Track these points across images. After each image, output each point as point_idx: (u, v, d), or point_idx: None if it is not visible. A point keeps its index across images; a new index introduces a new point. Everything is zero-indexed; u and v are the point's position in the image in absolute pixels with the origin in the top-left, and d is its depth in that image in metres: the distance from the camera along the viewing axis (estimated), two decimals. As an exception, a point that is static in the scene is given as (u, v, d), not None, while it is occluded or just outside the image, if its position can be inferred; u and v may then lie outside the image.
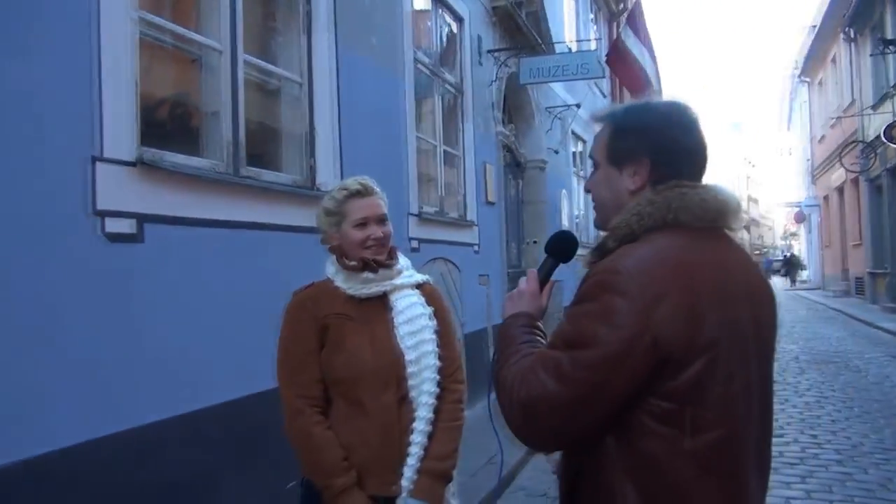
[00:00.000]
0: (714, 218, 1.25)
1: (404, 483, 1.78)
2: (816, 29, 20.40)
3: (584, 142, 12.50)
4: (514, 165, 8.99)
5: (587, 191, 1.42)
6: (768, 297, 1.32)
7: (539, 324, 1.39)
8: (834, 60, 20.21)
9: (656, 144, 1.29)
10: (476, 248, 6.83)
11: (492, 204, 7.38)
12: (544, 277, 1.44)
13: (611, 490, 1.17)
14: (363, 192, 1.88)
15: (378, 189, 1.93)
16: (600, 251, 1.28)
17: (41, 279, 2.32)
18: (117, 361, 2.58)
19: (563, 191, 10.66)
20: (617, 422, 1.16)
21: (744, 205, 1.33)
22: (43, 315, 2.32)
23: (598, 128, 1.39)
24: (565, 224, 10.60)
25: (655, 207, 1.24)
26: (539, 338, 1.33)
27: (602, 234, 1.33)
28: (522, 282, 1.43)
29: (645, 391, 1.14)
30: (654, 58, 8.24)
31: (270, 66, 3.97)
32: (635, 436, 1.15)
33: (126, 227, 2.67)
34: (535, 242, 9.34)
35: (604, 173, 1.35)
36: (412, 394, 1.82)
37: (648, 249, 1.20)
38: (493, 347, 7.03)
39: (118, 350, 2.59)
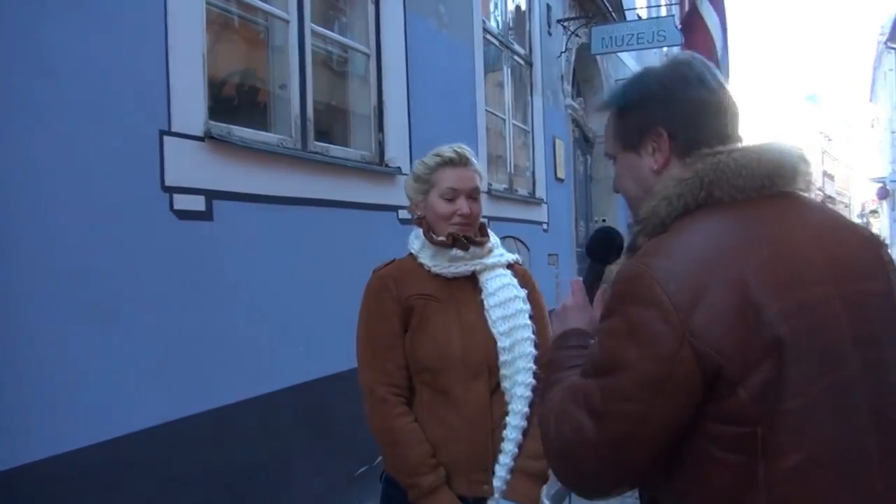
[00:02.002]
0: (762, 185, 1.00)
1: (496, 483, 1.60)
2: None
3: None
4: (583, 141, 8.67)
5: (616, 191, 1.20)
6: (870, 262, 1.03)
7: (592, 341, 1.16)
8: (926, 24, 18.82)
9: (668, 109, 1.07)
10: (545, 226, 6.60)
11: (561, 181, 7.12)
12: (592, 284, 1.25)
13: None
14: (457, 161, 1.69)
15: (475, 160, 1.74)
16: (633, 250, 1.05)
17: (109, 258, 2.25)
18: (188, 342, 2.51)
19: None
20: (684, 454, 0.94)
21: (816, 174, 1.05)
22: (111, 295, 2.25)
23: (606, 119, 1.18)
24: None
25: (686, 185, 1.00)
26: None
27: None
28: (567, 295, 1.25)
29: (703, 415, 0.91)
30: (724, 26, 7.68)
31: (339, 37, 3.83)
32: (703, 467, 0.93)
33: (195, 204, 2.58)
34: (603, 221, 9.03)
35: (622, 162, 1.14)
36: (505, 384, 1.63)
37: (678, 241, 0.98)
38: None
39: (189, 331, 2.52)
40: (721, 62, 7.42)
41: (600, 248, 1.26)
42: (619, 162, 1.15)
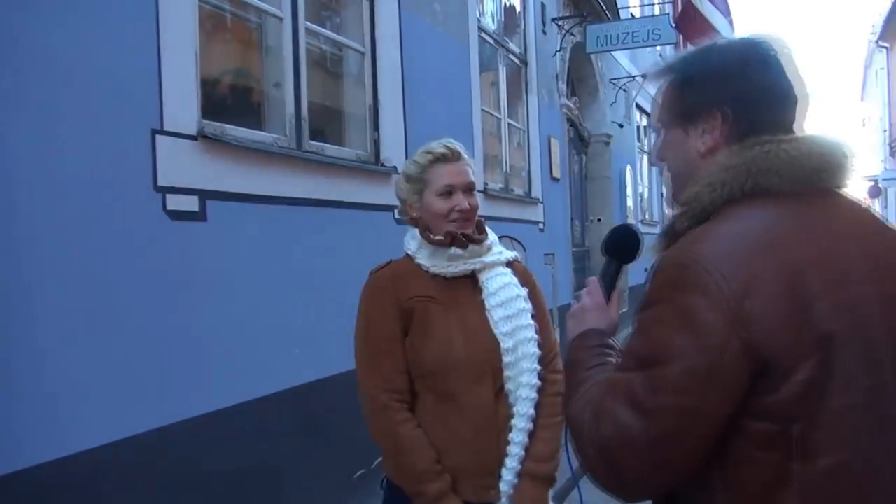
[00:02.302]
0: (810, 178, 0.96)
1: (503, 487, 1.56)
2: (898, -11, 19.09)
3: (649, 115, 12.00)
4: (578, 140, 8.64)
5: (652, 163, 1.15)
6: None
7: (612, 341, 1.14)
8: (917, 23, 18.89)
9: (731, 91, 1.01)
10: (541, 225, 6.56)
11: (557, 180, 7.08)
12: (609, 285, 1.21)
13: None
14: (449, 157, 1.65)
15: (466, 154, 1.69)
16: (669, 235, 1.02)
17: (102, 260, 2.20)
18: (183, 345, 2.46)
19: (628, 166, 10.24)
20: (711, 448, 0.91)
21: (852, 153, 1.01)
22: (103, 297, 2.20)
23: (655, 87, 1.13)
24: (630, 202, 10.20)
25: (732, 174, 0.96)
26: (612, 359, 1.09)
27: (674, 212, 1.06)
28: (584, 295, 1.21)
29: (739, 410, 0.88)
30: (731, 21, 7.66)
31: (333, 35, 3.78)
32: (732, 464, 0.90)
33: (188, 204, 2.53)
34: (598, 220, 9.00)
35: (671, 137, 1.09)
36: (509, 386, 1.58)
37: (727, 228, 0.94)
38: (557, 329, 6.79)
39: (183, 333, 2.47)
40: None
41: (620, 246, 1.22)
42: (666, 135, 1.10)
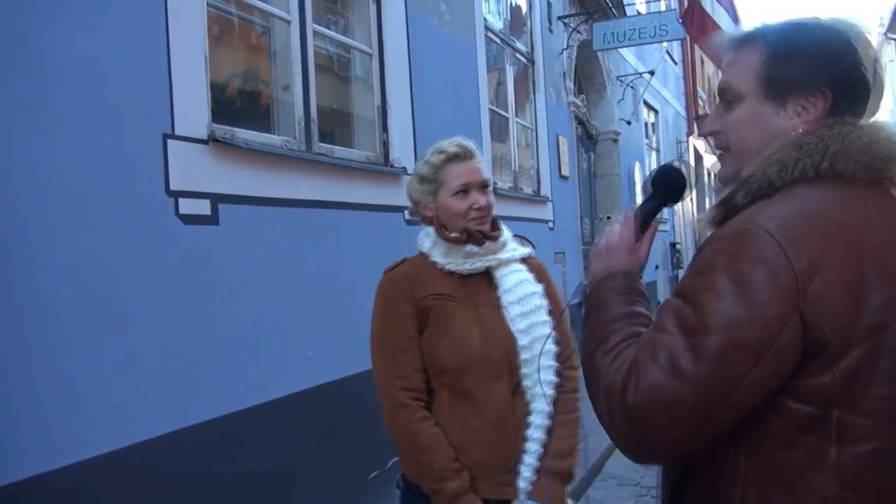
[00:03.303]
0: (882, 167, 0.94)
1: (521, 484, 1.55)
2: (906, -20, 18.93)
3: (656, 112, 11.95)
4: (586, 138, 8.62)
5: (708, 133, 1.08)
6: None
7: (640, 286, 1.08)
8: (927, 14, 18.72)
9: (835, 72, 0.97)
10: (551, 224, 6.55)
11: (565, 178, 7.06)
12: (644, 221, 1.13)
13: (728, 502, 0.92)
14: (462, 156, 1.64)
15: (478, 152, 1.69)
16: (726, 207, 0.98)
17: (116, 264, 2.21)
18: (196, 348, 2.47)
19: (637, 163, 10.20)
20: (739, 425, 0.90)
21: None
22: (116, 300, 2.21)
23: (732, 54, 1.05)
24: (639, 199, 10.15)
25: (805, 152, 0.94)
26: (641, 308, 1.03)
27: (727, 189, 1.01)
28: (614, 230, 1.13)
29: (781, 390, 0.87)
30: (735, 17, 7.63)
31: (341, 37, 3.79)
32: (765, 444, 0.89)
33: (200, 208, 2.54)
34: (608, 218, 8.97)
35: (751, 110, 1.02)
36: (526, 383, 1.58)
37: (794, 206, 0.91)
38: (573, 299, 6.71)
39: (196, 336, 2.47)
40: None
41: (668, 183, 1.15)
42: (746, 106, 1.03)
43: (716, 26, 7.15)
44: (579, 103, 7.93)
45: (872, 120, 1.00)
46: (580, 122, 8.12)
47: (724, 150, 1.08)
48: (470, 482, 1.53)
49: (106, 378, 2.14)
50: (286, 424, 2.85)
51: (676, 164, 1.25)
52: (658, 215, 1.17)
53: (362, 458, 3.22)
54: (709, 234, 0.98)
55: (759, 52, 1.02)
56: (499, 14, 6.05)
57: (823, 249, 0.87)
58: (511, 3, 6.36)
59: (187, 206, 2.48)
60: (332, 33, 3.70)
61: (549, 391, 1.58)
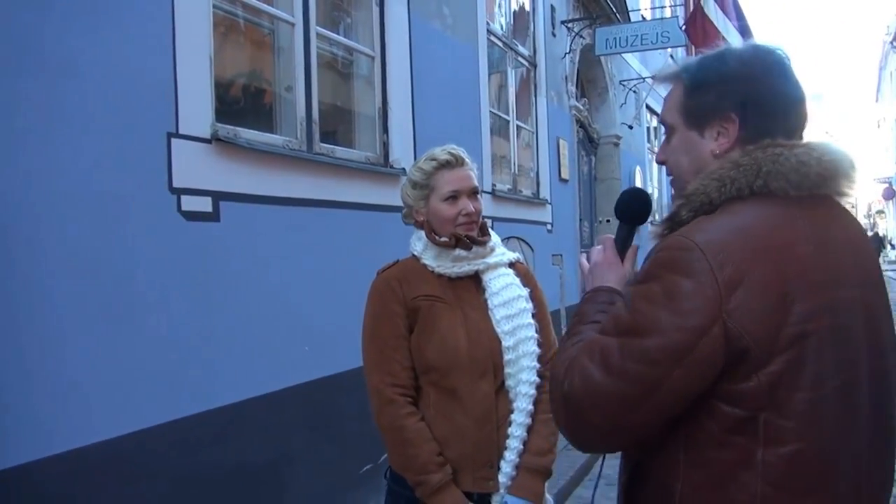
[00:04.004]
0: (815, 184, 1.01)
1: (502, 479, 1.62)
2: (913, -10, 18.93)
3: (659, 116, 11.98)
4: (587, 141, 8.68)
5: (660, 162, 1.20)
6: (880, 279, 1.07)
7: (620, 297, 1.16)
8: (932, 24, 18.74)
9: (744, 95, 1.06)
10: (549, 226, 6.61)
11: (565, 181, 7.13)
12: (622, 246, 1.23)
13: (669, 498, 0.99)
14: (453, 163, 1.71)
15: (469, 159, 1.76)
16: (672, 222, 1.06)
17: (118, 259, 2.28)
18: (195, 341, 2.54)
19: (638, 167, 10.26)
20: (680, 425, 0.97)
21: (857, 164, 1.05)
22: (120, 295, 2.28)
23: (666, 89, 1.16)
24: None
25: (741, 171, 1.01)
26: None
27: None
28: (597, 252, 1.24)
29: (712, 394, 0.94)
30: (745, 32, 7.65)
31: (343, 39, 3.86)
32: (701, 444, 0.96)
33: (202, 205, 2.61)
34: (608, 221, 9.03)
35: (681, 138, 1.13)
36: (509, 383, 1.65)
37: (729, 222, 0.99)
38: (564, 329, 6.80)
39: (195, 330, 2.55)
40: None
41: (629, 208, 1.26)
42: (678, 136, 1.14)
43: (718, 34, 7.20)
44: (581, 107, 7.99)
45: (807, 141, 1.06)
46: (581, 125, 8.18)
47: (671, 175, 1.18)
48: (453, 475, 1.60)
49: (104, 368, 2.21)
50: (281, 417, 2.92)
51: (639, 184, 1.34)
52: (634, 237, 1.27)
53: (355, 452, 3.29)
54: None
55: (681, 86, 1.13)
56: (502, 18, 6.11)
57: (748, 263, 0.93)
58: (514, 7, 6.42)
59: (189, 204, 2.55)
60: (336, 36, 3.77)
61: (532, 391, 1.65)
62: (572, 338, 1.09)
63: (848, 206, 1.10)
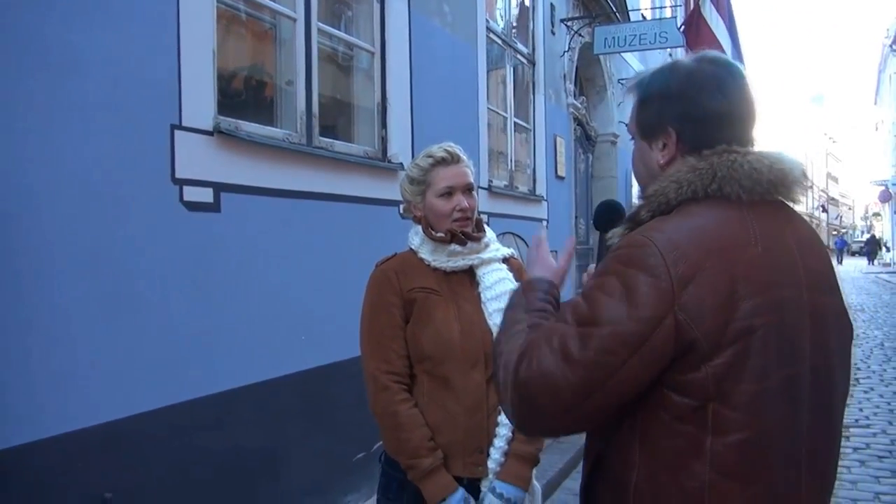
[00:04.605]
0: (767, 190, 1.08)
1: (491, 465, 1.69)
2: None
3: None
4: (585, 139, 8.74)
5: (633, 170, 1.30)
6: (833, 281, 1.14)
7: (555, 291, 1.26)
8: (931, 28, 18.81)
9: (680, 112, 1.13)
10: (545, 223, 6.68)
11: (562, 178, 7.19)
12: (600, 253, 1.33)
13: (625, 486, 1.05)
14: (449, 160, 1.77)
15: (465, 157, 1.81)
16: (633, 222, 1.13)
17: (121, 247, 2.34)
18: (193, 329, 2.60)
19: (634, 166, 10.31)
20: (637, 416, 1.03)
21: (820, 175, 1.12)
22: (122, 282, 2.34)
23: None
24: (635, 201, 10.25)
25: (698, 175, 1.08)
26: (550, 307, 1.20)
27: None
28: (530, 250, 1.37)
29: (663, 383, 1.00)
30: (732, 31, 7.72)
31: (344, 35, 3.91)
32: (654, 434, 1.02)
33: (204, 196, 2.67)
34: (593, 221, 9.08)
35: (638, 147, 1.23)
36: None
37: (684, 222, 1.05)
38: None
39: (195, 318, 2.61)
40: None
41: (607, 220, 1.36)
42: (635, 145, 1.24)
43: (713, 37, 7.27)
44: (579, 105, 8.04)
45: (759, 149, 1.13)
46: (579, 123, 8.24)
47: (636, 178, 1.26)
48: (443, 460, 1.67)
49: (106, 354, 2.27)
50: (277, 405, 2.99)
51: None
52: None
53: (349, 440, 3.36)
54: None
55: (637, 99, 1.22)
56: (502, 15, 6.16)
57: (701, 261, 1.00)
58: (514, 5, 6.46)
59: (191, 194, 2.60)
60: (336, 31, 3.82)
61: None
62: (518, 325, 1.13)
63: (798, 210, 1.17)
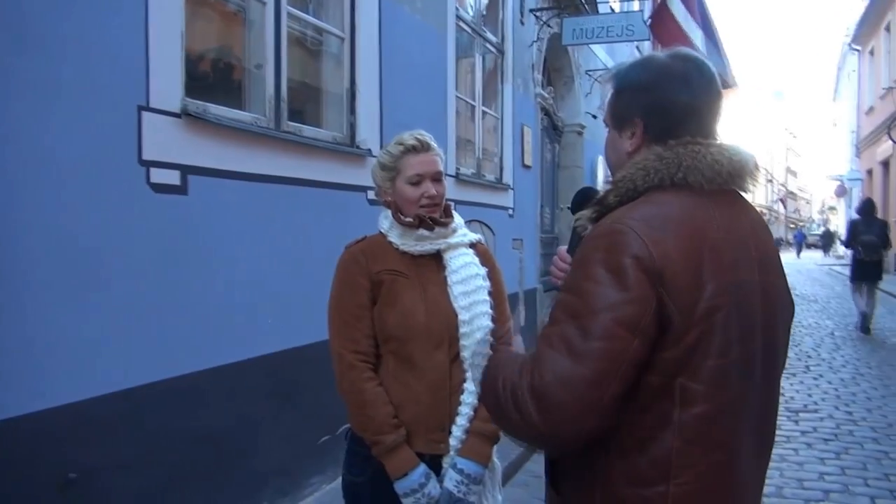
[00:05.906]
0: (725, 181, 1.16)
1: (452, 442, 1.76)
2: (872, -6, 19.52)
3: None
4: (552, 129, 8.84)
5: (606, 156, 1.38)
6: (778, 263, 1.24)
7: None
8: (888, 28, 19.36)
9: (647, 104, 1.21)
10: (511, 211, 6.76)
11: (528, 167, 7.27)
12: (575, 243, 1.37)
13: (596, 464, 1.12)
14: (419, 148, 1.82)
15: (435, 145, 1.86)
16: (601, 206, 1.20)
17: (88, 228, 2.34)
18: (160, 310, 2.61)
19: (600, 157, 10.47)
20: None
21: (780, 169, 1.21)
22: (88, 263, 2.34)
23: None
24: (600, 191, 10.40)
25: (664, 164, 1.15)
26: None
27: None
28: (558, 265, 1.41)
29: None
30: (706, 23, 7.82)
31: (314, 20, 3.90)
32: (629, 410, 1.08)
33: (171, 178, 2.66)
34: (569, 208, 9.20)
35: (610, 136, 1.30)
36: (464, 354, 1.77)
37: (654, 209, 1.12)
38: (523, 311, 7.02)
39: (163, 299, 2.61)
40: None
41: (582, 207, 1.40)
42: (608, 134, 1.31)
43: (680, 31, 7.39)
44: (546, 95, 8.12)
45: (720, 142, 1.21)
46: (546, 113, 8.32)
47: (607, 164, 1.34)
48: (406, 437, 1.73)
49: (74, 335, 2.27)
50: (244, 387, 3.01)
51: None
52: None
53: (315, 423, 3.40)
54: (588, 230, 1.19)
55: (611, 89, 1.30)
56: (471, 4, 6.18)
57: (674, 244, 1.07)
58: (484, -6, 6.49)
59: (158, 176, 2.60)
60: (306, 16, 3.81)
61: (484, 362, 1.77)
62: (505, 361, 1.20)
63: (748, 199, 1.26)
